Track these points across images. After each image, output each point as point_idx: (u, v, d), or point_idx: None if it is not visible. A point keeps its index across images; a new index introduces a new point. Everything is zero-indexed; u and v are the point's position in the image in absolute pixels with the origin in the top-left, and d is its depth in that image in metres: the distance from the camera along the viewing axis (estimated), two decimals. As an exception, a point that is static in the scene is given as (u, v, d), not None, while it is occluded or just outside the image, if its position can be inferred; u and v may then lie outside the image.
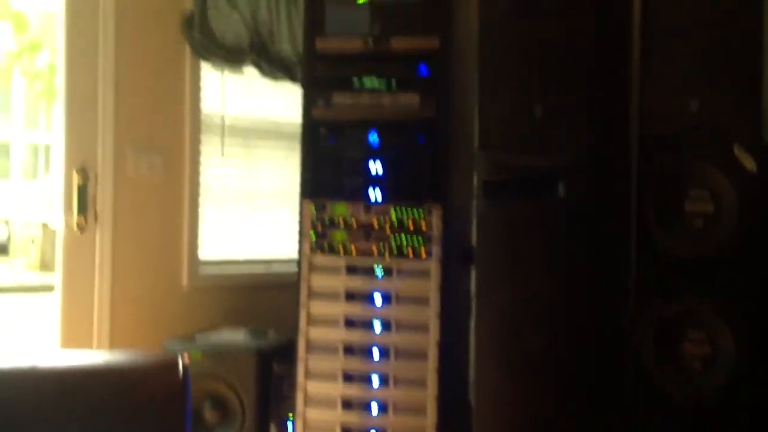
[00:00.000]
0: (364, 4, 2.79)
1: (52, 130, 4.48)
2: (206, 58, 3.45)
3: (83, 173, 3.23)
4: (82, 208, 3.23)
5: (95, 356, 2.67)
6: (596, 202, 2.55)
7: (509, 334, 2.61)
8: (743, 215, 2.31)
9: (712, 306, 2.38)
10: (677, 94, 2.37)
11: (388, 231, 2.78)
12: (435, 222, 2.75)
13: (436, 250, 2.75)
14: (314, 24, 2.85)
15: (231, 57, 3.47)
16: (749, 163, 2.26)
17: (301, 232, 2.85)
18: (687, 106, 2.35)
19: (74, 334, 3.21)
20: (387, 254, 2.78)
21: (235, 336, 3.19)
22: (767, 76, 2.28)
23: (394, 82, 2.77)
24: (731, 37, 2.31)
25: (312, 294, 2.84)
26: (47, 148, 5.36)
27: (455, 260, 2.79)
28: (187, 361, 2.03)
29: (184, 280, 3.46)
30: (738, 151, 2.27)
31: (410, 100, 2.76)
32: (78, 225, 3.22)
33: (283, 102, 3.75)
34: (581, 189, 2.53)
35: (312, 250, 2.84)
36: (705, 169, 2.35)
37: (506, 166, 2.62)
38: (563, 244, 2.56)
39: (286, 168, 3.72)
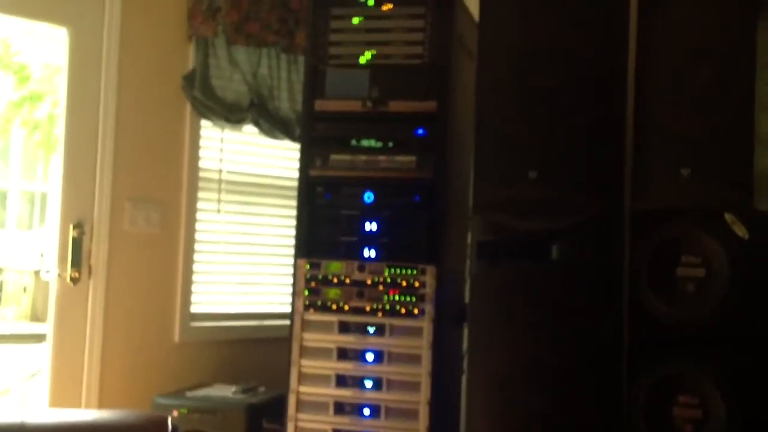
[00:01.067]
0: (363, 67, 2.80)
1: (50, 180, 4.46)
2: (206, 116, 3.46)
3: (79, 227, 3.20)
4: (77, 261, 3.19)
5: (84, 414, 2.61)
6: (590, 265, 2.52)
7: (501, 394, 2.57)
8: (735, 281, 2.29)
9: (703, 370, 2.35)
10: (669, 161, 2.38)
11: (381, 289, 2.75)
12: (429, 281, 2.72)
13: (429, 308, 2.71)
14: (314, 85, 2.85)
15: (231, 115, 3.48)
16: (740, 231, 2.26)
17: (294, 290, 2.82)
18: (679, 173, 2.35)
19: (64, 386, 3.16)
20: (380, 312, 2.74)
21: (226, 392, 3.13)
22: (758, 143, 2.29)
23: (391, 143, 2.77)
24: (722, 106, 2.32)
25: (304, 351, 2.79)
26: (44, 198, 5.33)
27: (448, 319, 2.76)
28: (176, 417, 1.98)
29: (176, 335, 3.41)
30: (729, 219, 2.27)
31: (407, 160, 2.75)
32: (71, 278, 3.18)
33: (280, 159, 3.75)
34: (575, 252, 2.51)
35: (305, 307, 2.80)
36: (697, 235, 2.34)
37: (500, 227, 2.60)
38: (556, 306, 2.52)
39: (281, 223, 3.70)
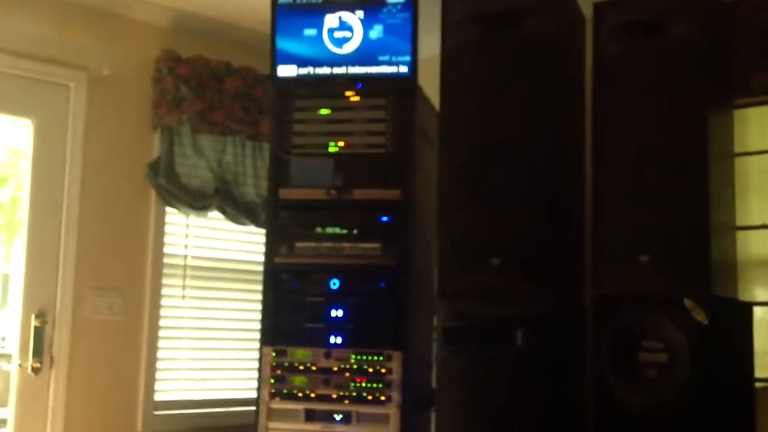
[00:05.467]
0: (327, 156, 2.75)
1: (11, 263, 4.29)
2: (171, 203, 3.37)
3: (41, 316, 3.05)
4: (38, 351, 3.03)
5: None
6: (553, 352, 2.45)
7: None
8: (696, 365, 2.24)
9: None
10: (628, 249, 2.34)
11: (348, 376, 2.65)
12: (395, 367, 2.62)
13: (395, 395, 2.61)
14: (278, 174, 2.79)
15: (196, 202, 3.39)
16: (700, 316, 2.21)
17: (260, 378, 2.70)
18: (637, 261, 2.31)
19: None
20: (347, 400, 2.63)
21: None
22: (714, 230, 2.27)
23: (355, 230, 2.70)
24: (677, 195, 2.30)
25: (270, 439, 2.66)
26: (6, 278, 5.11)
27: (415, 405, 2.66)
28: None
29: (139, 425, 3.24)
30: (689, 305, 2.23)
31: (372, 247, 2.68)
32: (33, 368, 3.01)
33: (245, 243, 3.65)
34: (538, 339, 2.44)
35: (271, 395, 2.67)
36: (658, 321, 2.30)
37: (465, 314, 2.53)
38: (521, 392, 2.44)
39: (247, 308, 3.58)
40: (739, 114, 2.66)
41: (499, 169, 2.48)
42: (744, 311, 2.44)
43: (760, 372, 2.42)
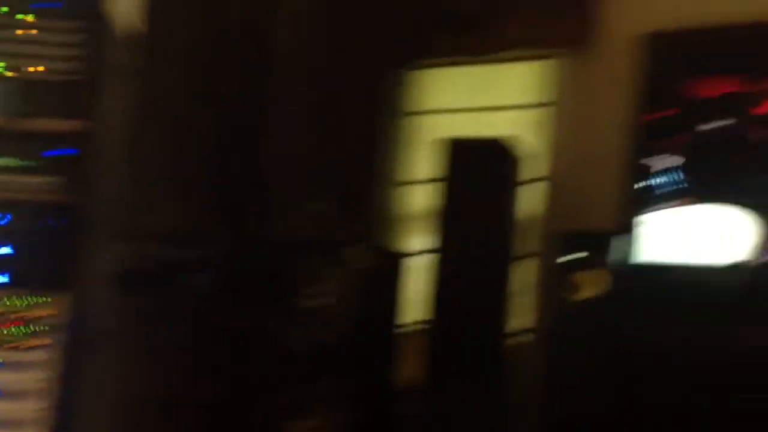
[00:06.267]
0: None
1: None
2: None
3: None
4: None
5: None
6: (226, 295, 2.51)
7: (130, 426, 2.43)
8: (352, 309, 2.45)
9: (326, 392, 2.45)
10: (299, 197, 2.48)
11: (4, 319, 2.41)
12: (60, 310, 2.45)
13: (58, 339, 2.44)
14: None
15: None
16: (359, 262, 2.41)
17: None
18: (308, 208, 2.46)
19: None
20: (3, 346, 2.40)
21: None
22: (380, 182, 2.49)
23: (28, 162, 2.48)
24: (349, 147, 2.49)
25: None
26: None
27: (81, 349, 2.52)
28: None
29: None
30: (347, 252, 2.42)
31: (43, 182, 2.48)
32: None
33: None
34: (209, 280, 2.49)
35: None
36: (318, 266, 2.46)
37: (141, 256, 2.49)
38: (188, 334, 2.47)
39: None
40: (418, 75, 2.89)
41: (186, 114, 2.49)
42: (398, 260, 2.69)
43: (412, 316, 2.70)
